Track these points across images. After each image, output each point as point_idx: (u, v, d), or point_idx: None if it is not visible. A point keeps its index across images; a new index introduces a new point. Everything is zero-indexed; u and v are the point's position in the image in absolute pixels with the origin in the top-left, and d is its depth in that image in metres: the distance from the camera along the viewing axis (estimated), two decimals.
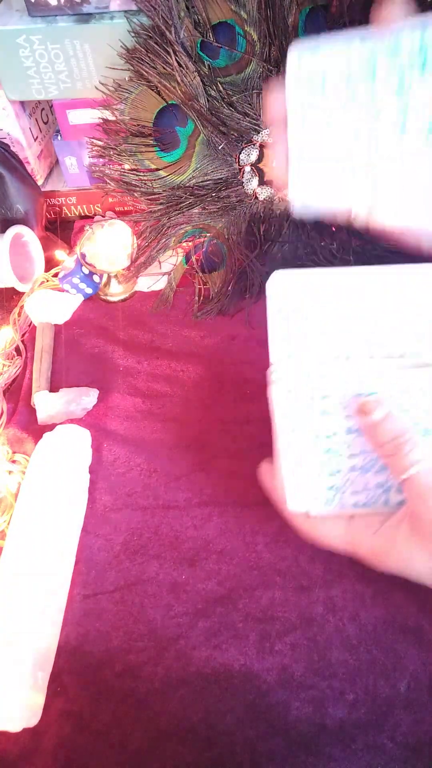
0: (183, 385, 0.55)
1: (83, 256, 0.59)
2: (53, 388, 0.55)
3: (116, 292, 0.63)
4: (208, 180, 0.56)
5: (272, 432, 0.37)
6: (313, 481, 0.35)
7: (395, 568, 0.33)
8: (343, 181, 0.32)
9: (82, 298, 0.62)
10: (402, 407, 0.34)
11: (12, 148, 0.64)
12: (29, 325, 0.61)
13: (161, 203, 0.55)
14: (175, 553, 0.44)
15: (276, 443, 0.37)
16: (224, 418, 0.52)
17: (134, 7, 0.51)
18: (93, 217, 0.69)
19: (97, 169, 0.55)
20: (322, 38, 0.31)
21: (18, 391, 0.56)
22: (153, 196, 0.55)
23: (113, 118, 0.53)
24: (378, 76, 0.30)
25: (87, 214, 0.71)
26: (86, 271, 0.60)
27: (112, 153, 0.53)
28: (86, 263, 0.60)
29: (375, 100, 0.30)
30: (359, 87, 0.30)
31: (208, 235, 0.59)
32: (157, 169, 0.54)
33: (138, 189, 0.55)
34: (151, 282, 0.64)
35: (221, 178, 0.56)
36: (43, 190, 0.68)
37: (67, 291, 0.61)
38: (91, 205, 0.70)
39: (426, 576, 0.32)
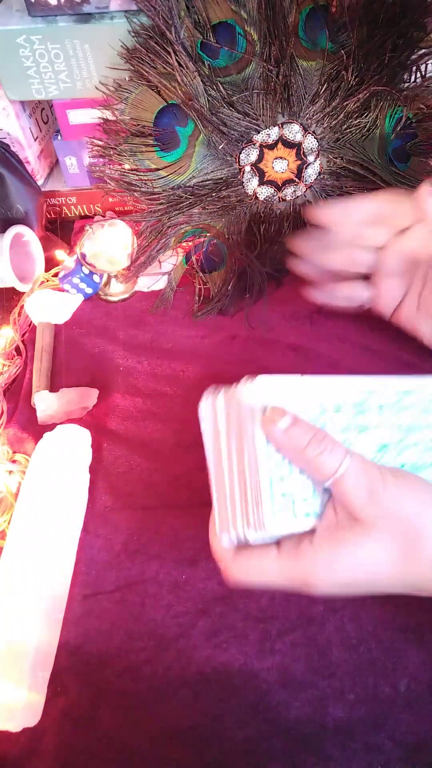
0: (183, 385, 0.55)
1: (83, 256, 0.59)
2: (53, 388, 0.55)
3: (116, 292, 0.63)
4: (208, 180, 0.56)
5: None
6: (267, 491, 0.32)
7: (346, 577, 0.31)
8: None
9: (82, 298, 0.62)
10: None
11: (12, 148, 0.64)
12: (29, 325, 0.61)
13: (161, 203, 0.55)
14: (175, 553, 0.44)
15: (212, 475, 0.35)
16: None
17: (134, 7, 0.51)
18: (93, 217, 0.69)
19: (97, 169, 0.55)
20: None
21: (18, 391, 0.56)
22: (153, 196, 0.55)
23: (113, 118, 0.53)
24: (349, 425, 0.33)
25: (87, 214, 0.71)
26: (86, 271, 0.60)
27: (112, 153, 0.53)
28: (86, 263, 0.60)
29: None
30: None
31: (208, 235, 0.59)
32: (157, 169, 0.54)
33: (138, 189, 0.55)
34: (151, 282, 0.64)
35: (221, 178, 0.56)
36: (43, 190, 0.68)
37: (67, 291, 0.61)
38: (91, 205, 0.70)
39: (379, 569, 0.31)
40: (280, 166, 0.55)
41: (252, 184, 0.56)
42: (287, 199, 0.58)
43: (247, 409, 0.32)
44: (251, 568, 0.33)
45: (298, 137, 0.54)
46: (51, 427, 0.50)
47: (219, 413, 0.34)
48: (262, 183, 0.56)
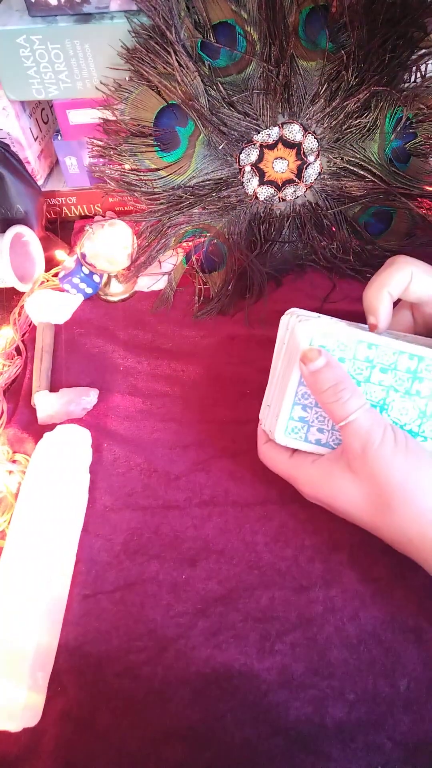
0: (183, 385, 0.55)
1: (83, 256, 0.59)
2: (53, 388, 0.55)
3: (116, 292, 0.63)
4: (208, 180, 0.56)
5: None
6: (287, 410, 0.39)
7: (326, 497, 0.38)
8: None
9: (82, 298, 0.62)
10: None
11: (12, 148, 0.64)
12: (29, 325, 0.61)
13: (161, 203, 0.55)
14: (175, 553, 0.44)
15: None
16: (224, 418, 0.52)
17: (134, 7, 0.51)
18: (93, 217, 0.69)
19: (98, 169, 0.55)
20: (335, 326, 0.37)
21: (18, 391, 0.56)
22: (153, 196, 0.55)
23: (113, 118, 0.53)
24: (371, 380, 0.37)
25: (87, 214, 0.71)
26: (86, 271, 0.60)
27: (112, 153, 0.53)
28: (86, 263, 0.60)
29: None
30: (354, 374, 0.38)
31: (208, 235, 0.59)
32: (158, 169, 0.54)
33: (138, 189, 0.55)
34: (151, 282, 0.64)
35: (221, 178, 0.56)
36: (43, 190, 0.68)
37: (67, 291, 0.61)
38: (91, 205, 0.70)
39: (351, 507, 0.37)
40: (280, 166, 0.55)
41: (252, 184, 0.56)
42: (287, 199, 0.58)
43: (302, 338, 0.37)
44: (270, 457, 0.42)
45: (298, 137, 0.54)
46: (51, 427, 0.50)
47: (288, 328, 0.40)
48: (262, 183, 0.56)
